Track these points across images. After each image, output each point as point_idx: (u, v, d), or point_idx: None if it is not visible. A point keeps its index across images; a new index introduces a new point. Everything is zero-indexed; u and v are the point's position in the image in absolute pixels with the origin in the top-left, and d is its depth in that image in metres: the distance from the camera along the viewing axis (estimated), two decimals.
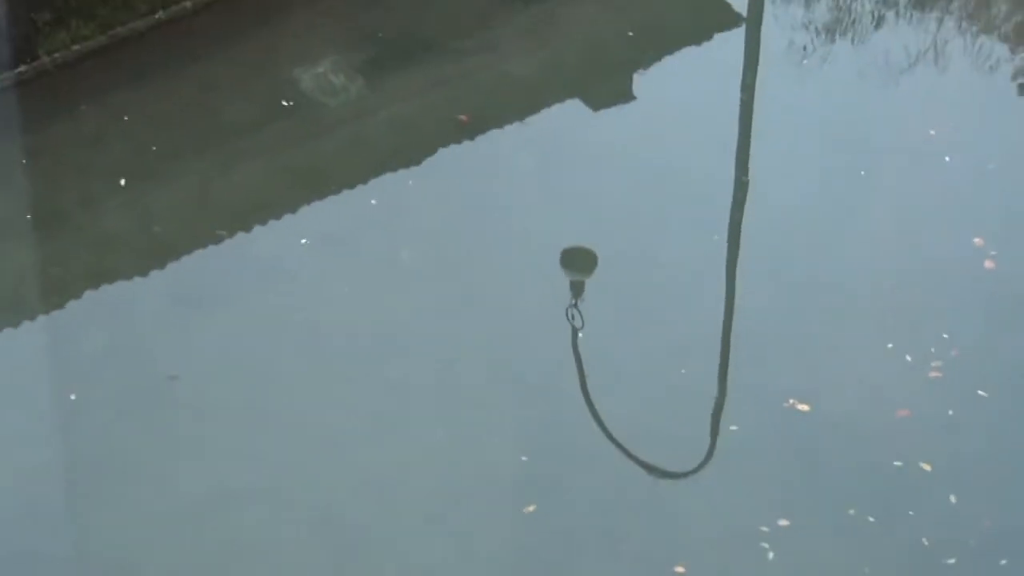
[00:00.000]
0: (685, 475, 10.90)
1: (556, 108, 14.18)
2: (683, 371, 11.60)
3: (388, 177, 13.30)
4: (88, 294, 12.23)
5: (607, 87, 14.50)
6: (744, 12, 15.34)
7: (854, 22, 15.63)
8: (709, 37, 15.08)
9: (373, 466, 10.94)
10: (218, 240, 12.67)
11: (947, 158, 13.53)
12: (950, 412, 11.28)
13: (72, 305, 12.17)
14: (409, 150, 13.55)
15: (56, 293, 12.26)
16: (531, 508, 10.64)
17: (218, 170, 13.41)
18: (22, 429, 11.11)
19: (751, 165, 13.50)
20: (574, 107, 14.25)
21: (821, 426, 11.17)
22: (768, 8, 15.55)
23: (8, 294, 12.28)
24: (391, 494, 10.75)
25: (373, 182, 13.25)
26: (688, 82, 14.56)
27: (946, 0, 15.92)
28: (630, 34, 15.02)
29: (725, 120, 13.97)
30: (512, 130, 13.89)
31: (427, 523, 10.57)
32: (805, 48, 15.13)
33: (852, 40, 15.37)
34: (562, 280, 12.19)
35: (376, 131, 13.85)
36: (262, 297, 12.17)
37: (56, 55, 14.03)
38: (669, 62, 14.81)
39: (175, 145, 13.55)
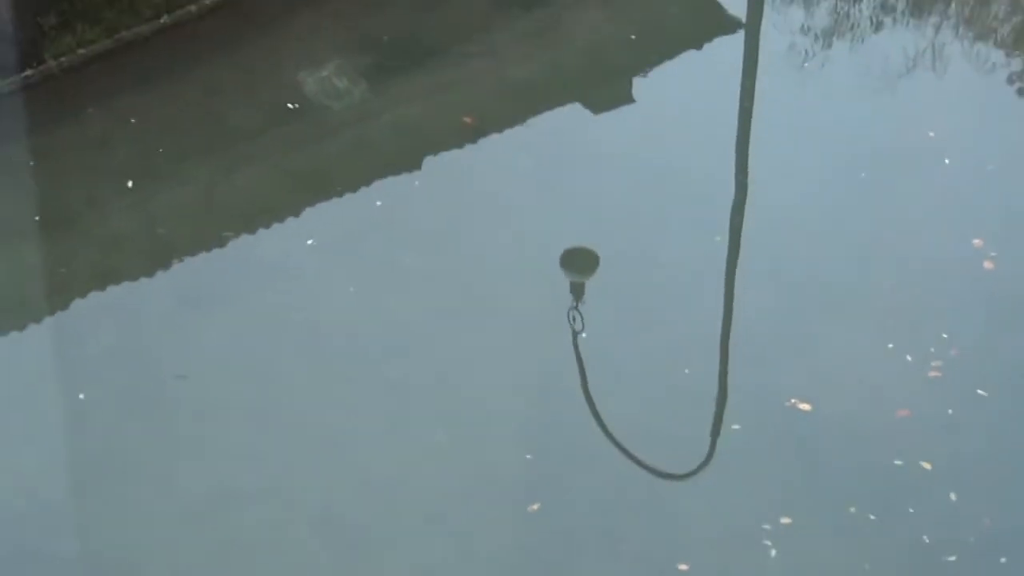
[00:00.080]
0: (688, 476, 10.93)
1: (558, 111, 14.19)
2: (686, 371, 11.63)
3: (391, 179, 13.32)
4: (93, 294, 12.26)
5: (608, 90, 14.52)
6: (743, 17, 15.33)
7: (852, 26, 15.64)
8: (709, 41, 15.10)
9: (375, 466, 10.95)
10: (222, 241, 12.70)
11: (946, 160, 13.55)
12: (950, 411, 11.29)
13: (78, 305, 12.20)
14: (412, 153, 13.57)
15: (63, 293, 12.27)
16: (535, 507, 10.66)
17: (222, 173, 13.44)
18: (28, 429, 11.14)
19: (752, 167, 13.51)
20: (575, 110, 14.27)
21: (822, 425, 11.18)
22: (767, 13, 15.57)
23: (17, 293, 12.31)
24: (393, 494, 10.77)
25: (376, 184, 13.27)
26: (688, 86, 14.57)
27: (944, 4, 15.93)
28: (633, 37, 15.05)
29: (725, 123, 13.99)
30: (514, 133, 13.90)
31: (430, 522, 10.59)
32: (804, 52, 15.15)
33: (851, 44, 15.40)
34: (564, 281, 12.19)
35: (379, 134, 13.86)
36: (266, 298, 12.19)
37: (62, 59, 14.05)
38: (669, 66, 14.82)
39: (180, 148, 13.56)
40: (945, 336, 11.83)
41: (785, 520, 10.54)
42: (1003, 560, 10.35)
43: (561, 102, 14.31)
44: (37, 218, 12.82)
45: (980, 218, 12.90)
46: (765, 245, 12.71)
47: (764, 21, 15.42)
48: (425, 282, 12.36)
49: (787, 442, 11.11)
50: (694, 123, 14.01)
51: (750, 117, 14.11)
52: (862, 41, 15.45)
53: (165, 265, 12.48)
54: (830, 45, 15.34)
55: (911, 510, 10.63)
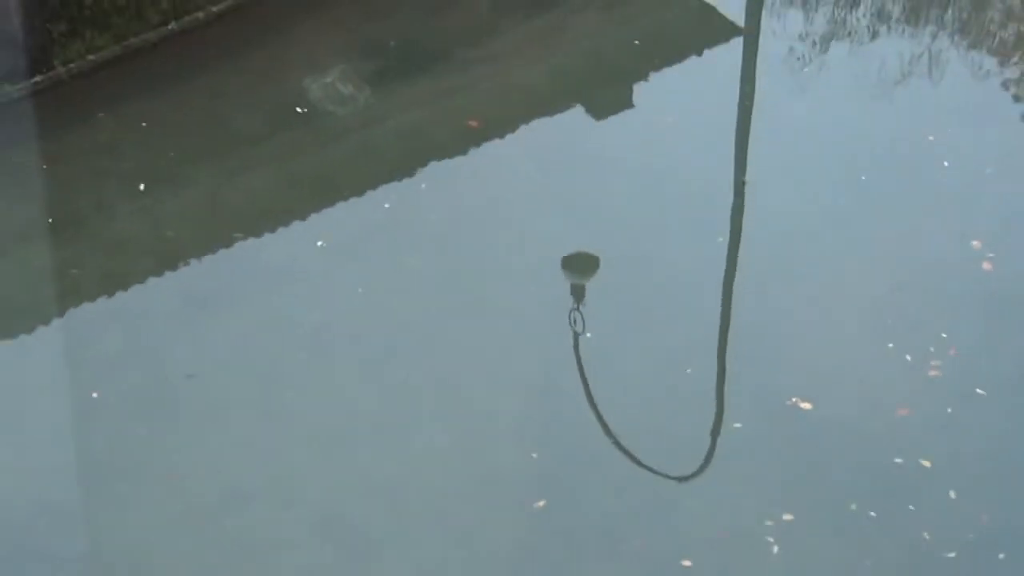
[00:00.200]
0: (689, 478, 10.96)
1: (560, 116, 14.27)
2: (688, 371, 11.67)
3: (395, 184, 13.37)
4: (103, 295, 12.32)
5: (609, 95, 14.59)
6: (742, 23, 15.41)
7: (851, 32, 15.68)
8: (709, 48, 15.15)
9: (380, 466, 10.98)
10: (230, 244, 12.74)
11: (945, 163, 13.58)
12: (949, 410, 11.32)
13: (88, 306, 12.25)
14: (416, 157, 13.61)
15: (73, 294, 12.33)
16: (541, 504, 10.71)
17: (229, 176, 13.48)
18: (38, 429, 11.20)
19: (753, 170, 13.54)
20: (578, 115, 14.35)
21: (823, 424, 11.20)
22: (767, 19, 15.64)
23: (29, 295, 12.37)
24: (398, 493, 10.80)
25: (381, 188, 13.31)
26: (689, 91, 14.63)
27: (940, 11, 16.00)
28: (636, 43, 15.11)
29: (725, 127, 14.03)
30: (517, 137, 13.95)
31: (435, 521, 10.62)
32: (804, 57, 15.20)
33: (849, 49, 15.43)
34: (566, 283, 12.28)
35: (384, 139, 13.91)
36: (271, 300, 12.22)
37: (71, 65, 14.12)
38: (670, 71, 14.88)
39: (187, 152, 13.61)
40: (944, 336, 11.85)
41: (787, 517, 10.57)
42: (1002, 556, 10.38)
43: (564, 106, 14.38)
44: (50, 220, 12.86)
45: (978, 220, 12.92)
46: (766, 246, 12.75)
47: (763, 27, 15.45)
48: (430, 284, 12.40)
49: (788, 440, 11.13)
50: (695, 127, 14.05)
51: (749, 121, 14.16)
52: (860, 47, 15.48)
53: (172, 267, 12.53)
54: (829, 50, 15.38)
55: (911, 507, 10.66)
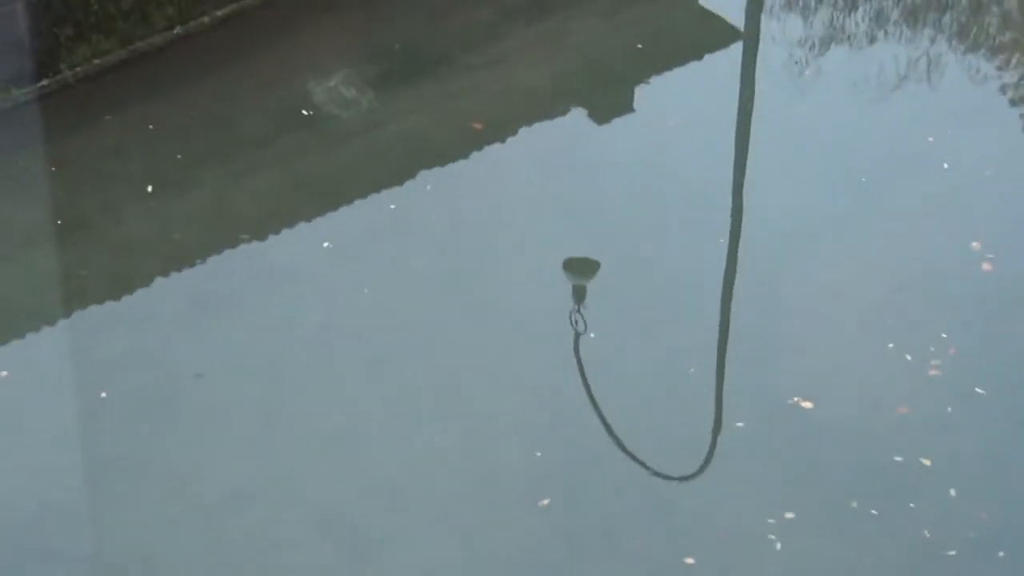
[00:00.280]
0: (694, 475, 11.02)
1: (562, 120, 14.31)
2: (691, 370, 11.72)
3: (398, 187, 13.41)
4: (109, 297, 12.36)
5: (611, 99, 14.64)
6: (742, 27, 15.49)
7: (850, 37, 15.73)
8: (709, 52, 15.19)
9: (385, 465, 11.02)
10: (235, 245, 12.79)
11: (945, 165, 13.62)
12: (949, 409, 11.37)
13: (94, 307, 12.30)
14: (419, 160, 13.66)
15: (81, 296, 12.37)
16: (545, 502, 10.75)
17: (234, 179, 13.53)
18: (47, 430, 11.24)
19: (755, 173, 13.59)
20: (580, 119, 14.39)
21: (824, 423, 11.24)
22: (767, 23, 15.70)
23: (37, 296, 12.41)
24: (402, 493, 10.84)
25: (384, 191, 13.36)
26: (689, 95, 14.67)
27: (938, 15, 16.04)
28: (638, 46, 15.16)
29: (725, 130, 14.09)
30: (520, 140, 14.00)
31: (439, 520, 10.66)
32: (803, 61, 15.25)
33: (849, 53, 15.48)
34: (567, 285, 12.34)
35: (387, 142, 13.95)
36: (276, 301, 12.26)
37: (78, 69, 14.16)
38: (670, 75, 14.92)
39: (193, 155, 13.65)
40: (944, 336, 11.90)
41: (789, 515, 10.61)
42: (1001, 554, 10.42)
43: (566, 110, 14.43)
44: (59, 222, 12.92)
45: (978, 221, 12.96)
46: (768, 248, 12.80)
47: (763, 31, 15.52)
48: (433, 285, 12.45)
49: (790, 439, 11.18)
50: (695, 131, 14.10)
51: (749, 124, 14.21)
52: (859, 50, 15.53)
53: (179, 269, 12.57)
54: (828, 54, 15.42)
55: (912, 505, 10.70)
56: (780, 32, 15.69)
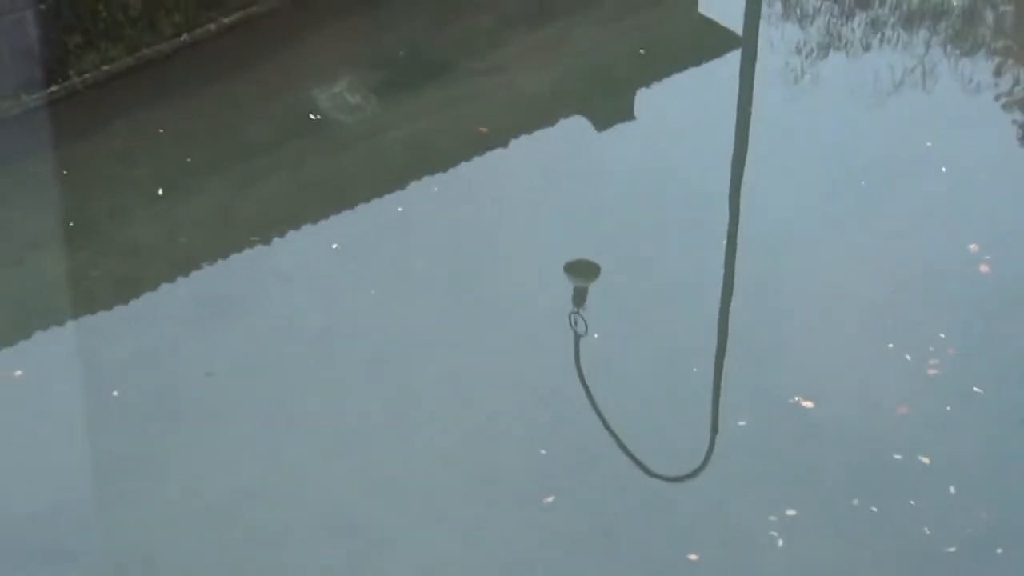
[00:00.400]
0: (696, 473, 11.06)
1: (563, 125, 14.37)
2: (694, 370, 11.78)
3: (401, 191, 13.47)
4: (117, 300, 12.42)
5: (611, 106, 14.69)
6: (740, 34, 15.56)
7: (847, 44, 15.80)
8: (708, 59, 15.25)
9: (388, 465, 11.05)
10: (241, 249, 12.84)
11: (943, 168, 13.67)
12: (948, 408, 11.41)
13: (101, 311, 12.36)
14: (422, 166, 13.71)
15: (87, 299, 12.43)
16: (550, 499, 10.81)
17: (240, 184, 13.57)
18: (56, 431, 11.30)
19: (756, 176, 13.63)
20: (581, 124, 14.46)
21: (825, 422, 11.28)
22: (765, 32, 15.75)
23: (47, 298, 12.48)
24: (406, 492, 10.87)
25: (388, 196, 13.41)
26: (688, 101, 14.74)
27: (933, 22, 16.10)
28: (640, 52, 15.23)
29: (725, 136, 14.15)
30: (522, 146, 14.05)
31: (444, 518, 10.69)
32: (801, 67, 15.32)
33: (846, 60, 15.55)
34: (569, 288, 12.41)
35: (390, 148, 14.00)
36: (281, 304, 12.31)
37: (86, 75, 14.20)
38: (670, 83, 14.99)
39: (200, 160, 13.70)
40: (943, 336, 11.95)
41: (791, 512, 10.65)
42: (1000, 551, 10.45)
43: (567, 116, 14.47)
44: (70, 224, 12.97)
45: (976, 224, 13.00)
46: (769, 250, 12.84)
47: (761, 38, 15.59)
48: (437, 288, 12.50)
49: (791, 438, 11.21)
50: (695, 136, 14.15)
51: (748, 129, 14.26)
52: (857, 57, 15.58)
53: (187, 272, 12.61)
54: (826, 61, 15.50)
55: (912, 503, 10.73)
56: (779, 39, 15.76)
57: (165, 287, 12.54)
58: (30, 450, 11.20)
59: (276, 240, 12.98)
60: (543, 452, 11.12)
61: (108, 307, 12.38)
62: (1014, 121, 14.73)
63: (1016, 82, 15.19)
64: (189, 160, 13.72)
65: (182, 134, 13.97)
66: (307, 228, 13.10)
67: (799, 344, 12.00)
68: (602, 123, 14.50)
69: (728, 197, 13.49)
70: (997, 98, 14.96)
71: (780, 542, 10.52)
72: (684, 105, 14.70)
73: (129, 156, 13.78)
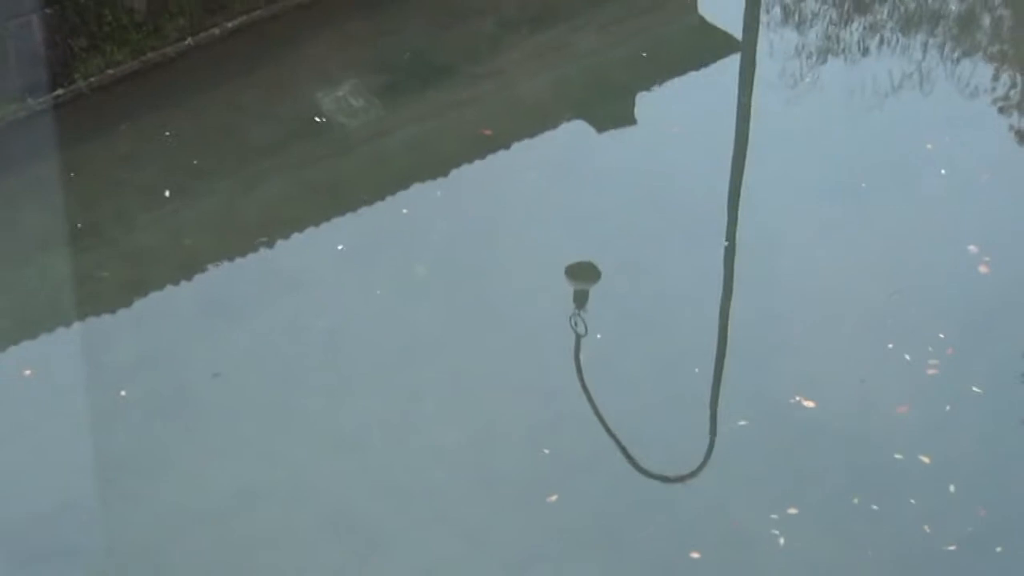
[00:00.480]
0: (697, 471, 11.09)
1: (564, 128, 14.39)
2: (696, 370, 11.82)
3: (403, 194, 13.51)
4: (122, 302, 12.46)
5: (611, 109, 14.70)
6: (739, 38, 15.58)
7: (846, 48, 15.82)
8: (708, 63, 15.27)
9: (391, 466, 11.09)
10: (245, 251, 12.88)
11: (943, 170, 13.72)
12: (947, 408, 11.45)
13: (107, 312, 12.41)
14: (425, 168, 13.74)
15: (93, 301, 12.47)
16: (553, 498, 10.85)
17: (245, 186, 13.60)
18: (63, 431, 11.36)
19: (757, 179, 13.66)
20: (581, 128, 14.47)
21: (826, 421, 11.31)
22: (764, 36, 15.78)
23: (54, 299, 12.50)
24: (410, 492, 10.91)
25: (390, 199, 13.45)
26: (688, 105, 14.78)
27: (931, 26, 16.13)
28: (642, 55, 15.26)
29: (724, 139, 14.17)
30: (523, 149, 14.08)
31: (448, 518, 10.72)
32: (801, 72, 15.34)
33: (845, 63, 15.56)
34: (570, 289, 12.45)
35: (394, 150, 14.04)
36: (286, 305, 12.34)
37: (92, 79, 14.25)
38: (670, 86, 15.01)
39: (205, 163, 13.75)
40: (942, 336, 11.98)
41: (792, 510, 10.69)
42: (999, 549, 10.50)
43: (567, 120, 14.50)
44: (78, 226, 13.01)
45: (975, 225, 13.02)
46: (770, 252, 12.88)
47: (761, 42, 15.61)
48: (438, 290, 12.54)
49: (792, 437, 11.25)
50: (695, 139, 14.17)
51: (747, 132, 14.29)
52: (856, 61, 15.59)
53: (191, 275, 12.65)
54: (825, 64, 15.51)
55: (912, 501, 10.77)
56: (778, 43, 15.79)
57: (171, 288, 12.58)
58: (38, 449, 11.25)
59: (281, 242, 13.02)
60: (545, 451, 11.18)
61: (115, 308, 12.44)
62: (1012, 123, 14.77)
63: (1014, 85, 15.23)
64: (194, 163, 13.77)
65: (187, 137, 14.01)
66: (312, 230, 13.14)
67: (799, 344, 12.03)
68: (603, 126, 14.54)
69: (727, 198, 13.54)
70: (995, 101, 14.99)
71: (781, 540, 10.57)
72: (684, 108, 14.74)
73: (135, 159, 13.81)
